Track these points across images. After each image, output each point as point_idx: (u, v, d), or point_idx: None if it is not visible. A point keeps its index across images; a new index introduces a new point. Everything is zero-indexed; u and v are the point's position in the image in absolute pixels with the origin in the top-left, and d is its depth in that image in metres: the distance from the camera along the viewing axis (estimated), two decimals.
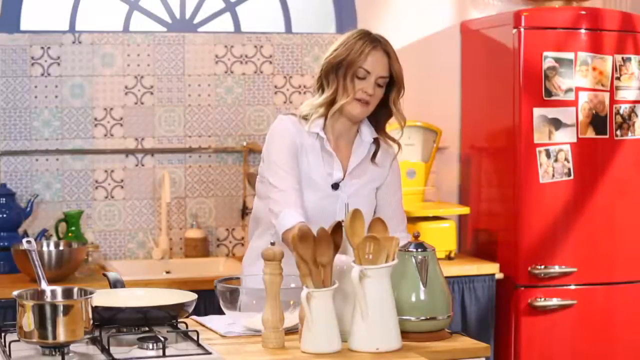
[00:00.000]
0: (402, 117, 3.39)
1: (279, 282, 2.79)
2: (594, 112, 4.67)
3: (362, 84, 3.28)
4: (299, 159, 3.32)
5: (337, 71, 3.30)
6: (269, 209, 3.27)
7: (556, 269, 4.65)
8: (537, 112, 4.62)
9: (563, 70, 4.62)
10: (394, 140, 3.46)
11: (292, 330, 2.91)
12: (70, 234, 4.56)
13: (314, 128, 3.33)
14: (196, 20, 4.89)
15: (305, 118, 3.36)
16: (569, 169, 4.65)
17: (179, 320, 2.90)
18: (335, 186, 3.35)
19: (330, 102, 3.33)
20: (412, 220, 4.67)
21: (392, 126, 4.80)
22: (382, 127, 3.43)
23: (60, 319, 2.56)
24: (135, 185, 4.77)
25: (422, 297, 2.90)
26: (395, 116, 3.39)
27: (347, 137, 3.40)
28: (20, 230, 4.53)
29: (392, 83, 3.35)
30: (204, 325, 3.07)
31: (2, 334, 2.79)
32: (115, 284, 3.10)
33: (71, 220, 4.58)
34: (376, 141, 3.43)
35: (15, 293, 2.66)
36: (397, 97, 3.36)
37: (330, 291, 2.75)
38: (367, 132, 3.41)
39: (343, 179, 3.36)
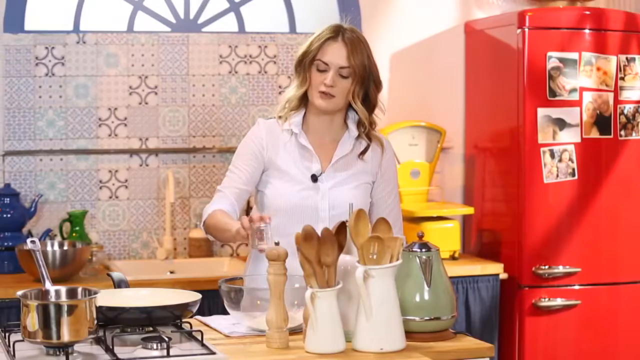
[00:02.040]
0: (363, 114, 3.35)
1: (283, 282, 2.79)
2: (598, 112, 4.67)
3: (322, 76, 3.30)
4: (274, 158, 3.36)
5: (302, 66, 3.35)
6: None
7: (560, 269, 4.65)
8: (541, 112, 4.62)
9: (567, 70, 4.62)
10: (377, 137, 3.45)
11: (296, 331, 2.91)
12: (74, 234, 4.56)
13: (290, 125, 3.37)
14: (200, 21, 4.89)
15: (280, 117, 3.41)
16: (573, 169, 4.65)
17: (183, 320, 2.90)
18: (314, 178, 3.36)
19: (299, 97, 3.37)
20: (416, 220, 4.67)
21: (394, 126, 4.83)
22: (362, 121, 3.40)
23: (65, 319, 2.56)
24: (139, 185, 4.77)
25: (426, 297, 2.90)
26: (358, 112, 3.36)
27: (333, 133, 3.41)
28: (25, 230, 4.54)
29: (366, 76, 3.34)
30: (208, 325, 3.07)
31: (6, 334, 2.79)
32: (120, 284, 3.10)
33: (75, 220, 4.58)
34: (367, 137, 3.43)
35: (19, 293, 2.66)
36: (359, 91, 3.32)
37: (334, 291, 2.75)
38: (354, 128, 3.41)
39: (323, 172, 3.37)
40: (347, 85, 3.31)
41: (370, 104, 3.37)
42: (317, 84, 3.31)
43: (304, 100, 3.39)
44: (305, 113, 3.40)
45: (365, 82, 3.33)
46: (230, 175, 3.40)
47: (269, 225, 2.98)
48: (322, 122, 3.40)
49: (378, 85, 3.37)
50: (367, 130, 3.40)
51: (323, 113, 3.37)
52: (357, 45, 3.32)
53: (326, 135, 3.41)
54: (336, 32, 3.33)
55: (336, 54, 3.30)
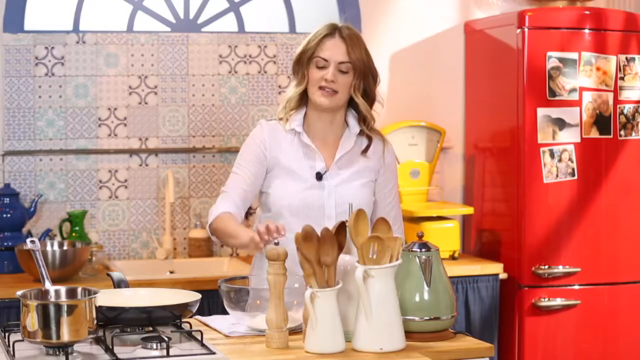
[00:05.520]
0: (365, 107, 3.37)
1: (283, 282, 2.79)
2: (597, 112, 4.67)
3: (322, 72, 3.32)
4: (278, 157, 3.37)
5: (300, 65, 3.37)
6: None
7: (560, 269, 4.65)
8: (541, 112, 4.62)
9: (567, 70, 4.62)
10: (377, 132, 3.47)
11: (296, 330, 2.91)
12: (74, 234, 4.56)
13: (292, 125, 3.38)
14: (200, 20, 4.89)
15: (281, 119, 3.42)
16: (573, 169, 4.65)
17: (182, 320, 2.90)
18: (319, 176, 3.36)
19: (299, 95, 3.38)
20: (416, 220, 4.67)
21: (393, 125, 4.83)
22: (362, 118, 3.41)
23: (64, 319, 2.56)
24: (139, 185, 4.77)
25: (425, 297, 2.90)
26: (359, 106, 3.37)
27: (334, 131, 3.42)
28: (24, 230, 4.54)
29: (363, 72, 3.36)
30: (207, 325, 3.07)
31: (6, 334, 2.79)
32: (119, 284, 3.11)
33: (75, 220, 4.58)
34: (367, 135, 3.43)
35: (19, 293, 2.66)
36: (359, 85, 3.34)
37: (334, 291, 2.75)
38: (354, 125, 3.42)
39: (327, 170, 3.37)
40: (348, 80, 3.33)
41: (369, 98, 3.39)
42: (316, 80, 3.32)
43: (304, 100, 3.40)
44: (305, 112, 3.41)
45: (365, 77, 3.34)
46: (235, 177, 3.40)
47: (285, 238, 2.96)
48: (324, 121, 3.40)
49: (376, 79, 3.40)
50: (369, 126, 3.41)
51: (324, 111, 3.37)
52: (355, 41, 3.35)
53: (328, 134, 3.41)
54: (332, 29, 3.36)
55: (335, 50, 3.32)
